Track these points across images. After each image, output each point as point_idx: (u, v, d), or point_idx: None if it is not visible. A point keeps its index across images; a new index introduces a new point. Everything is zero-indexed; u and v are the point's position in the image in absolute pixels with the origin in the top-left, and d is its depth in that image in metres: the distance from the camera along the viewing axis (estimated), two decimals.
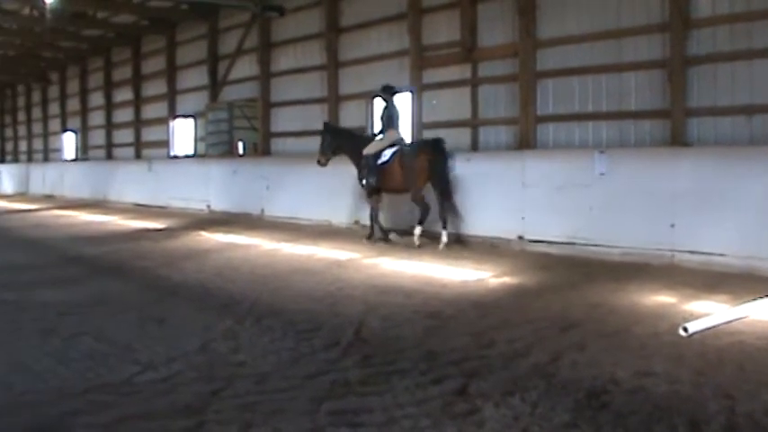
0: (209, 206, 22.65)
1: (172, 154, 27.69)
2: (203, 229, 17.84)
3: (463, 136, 16.36)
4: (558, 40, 14.56)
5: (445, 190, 14.01)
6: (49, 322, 7.93)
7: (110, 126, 33.43)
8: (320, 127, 16.16)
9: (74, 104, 37.26)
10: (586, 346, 6.65)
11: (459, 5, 16.27)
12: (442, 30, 16.79)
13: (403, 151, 14.32)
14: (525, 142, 14.85)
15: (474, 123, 16.23)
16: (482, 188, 14.30)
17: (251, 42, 22.93)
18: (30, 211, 26.93)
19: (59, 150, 39.28)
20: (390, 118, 14.68)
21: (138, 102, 30.71)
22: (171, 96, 27.70)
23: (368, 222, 15.22)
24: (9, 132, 48.09)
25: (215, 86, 24.79)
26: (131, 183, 28.09)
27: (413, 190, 14.03)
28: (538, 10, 14.85)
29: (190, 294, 9.65)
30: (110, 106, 33.38)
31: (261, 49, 22.46)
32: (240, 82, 23.67)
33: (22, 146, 45.37)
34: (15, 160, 46.50)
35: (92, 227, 19.62)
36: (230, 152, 23.63)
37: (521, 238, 13.42)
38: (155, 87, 29.24)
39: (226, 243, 15.23)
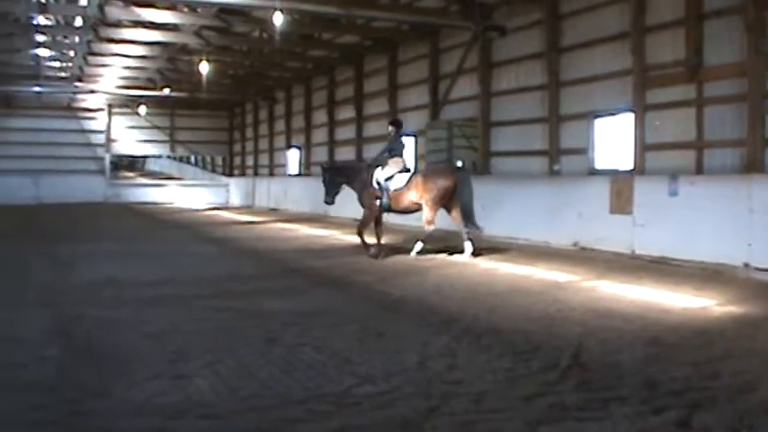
0: None
1: None
2: None
3: (687, 158, 15.87)
4: None
5: (468, 209, 15.70)
6: (272, 331, 8.26)
7: (332, 143, 34.52)
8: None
9: (298, 122, 38.76)
10: None
11: (685, 24, 15.85)
12: (666, 49, 16.38)
13: (426, 175, 16.02)
14: (753, 165, 14.23)
15: (698, 145, 15.71)
16: (705, 213, 13.85)
17: (471, 62, 23.13)
18: (255, 223, 28.13)
19: (284, 165, 40.90)
20: (398, 147, 16.41)
21: (359, 120, 31.53)
22: (392, 115, 28.18)
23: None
24: (237, 148, 50.56)
25: (435, 105, 25.14)
26: (352, 198, 28.66)
27: (431, 213, 15.74)
28: None
29: (408, 310, 9.80)
30: (332, 124, 34.49)
31: (481, 68, 22.62)
32: (460, 101, 23.91)
33: (249, 161, 47.60)
34: (242, 174, 48.84)
35: (313, 240, 20.36)
36: None
37: (746, 265, 12.89)
38: (376, 106, 29.99)
39: (443, 260, 15.34)
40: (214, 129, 51.27)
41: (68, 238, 20.97)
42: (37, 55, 32.47)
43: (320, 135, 35.98)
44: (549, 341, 7.81)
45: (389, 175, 16.13)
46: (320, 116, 36.01)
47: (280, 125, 41.77)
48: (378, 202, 16.26)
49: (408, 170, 16.37)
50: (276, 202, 38.39)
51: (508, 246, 17.71)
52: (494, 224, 18.30)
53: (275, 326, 8.55)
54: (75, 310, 9.67)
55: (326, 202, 17.28)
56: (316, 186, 33.50)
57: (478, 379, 6.44)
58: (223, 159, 54.03)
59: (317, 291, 11.48)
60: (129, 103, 46.00)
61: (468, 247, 15.50)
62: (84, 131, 47.55)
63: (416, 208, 16.18)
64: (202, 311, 9.54)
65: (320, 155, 35.90)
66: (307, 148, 37.63)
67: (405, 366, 6.83)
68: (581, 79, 18.92)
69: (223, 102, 46.89)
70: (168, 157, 61.45)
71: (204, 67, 29.45)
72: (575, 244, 16.76)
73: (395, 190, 16.06)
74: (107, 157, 47.82)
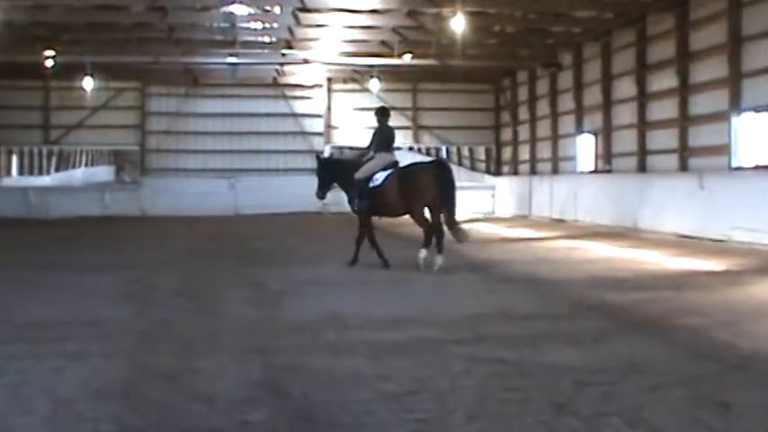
0: None
1: (734, 165, 27.29)
2: None
3: None
4: None
5: (451, 213, 18.24)
6: (562, 394, 8.19)
7: (642, 125, 34.00)
8: None
9: (593, 96, 38.41)
10: None
11: None
12: None
13: (402, 174, 18.59)
14: None
15: None
16: None
17: None
18: (532, 239, 28.68)
19: (572, 159, 40.52)
20: (384, 140, 19.23)
21: (683, 90, 30.68)
22: (733, 81, 27.33)
23: None
24: (506, 135, 50.44)
25: None
26: (672, 205, 28.28)
27: (417, 214, 18.30)
28: None
29: (765, 369, 9.37)
30: (643, 98, 33.98)
31: None
32: None
33: (524, 153, 47.34)
34: (514, 172, 48.72)
35: (616, 265, 20.04)
36: None
37: None
38: (709, 69, 29.10)
39: None
40: (474, 109, 51.93)
41: (278, 260, 21.80)
42: (231, 14, 33.49)
43: (625, 114, 35.49)
44: None
45: (369, 174, 18.71)
46: (625, 87, 35.64)
47: (566, 101, 41.78)
48: (357, 203, 18.99)
49: (395, 164, 19.00)
50: (561, 211, 38.52)
51: None
52: None
53: (565, 386, 8.47)
54: (289, 358, 10.00)
55: (317, 196, 20.40)
56: (619, 187, 33.19)
57: None
58: (487, 151, 54.38)
59: (625, 337, 11.25)
60: (357, 77, 47.04)
61: (438, 260, 17.98)
62: (295, 116, 49.50)
63: (402, 212, 18.77)
64: (461, 363, 9.55)
65: (624, 142, 35.29)
66: (605, 133, 37.32)
67: None
68: None
69: (486, 71, 47.59)
70: (410, 149, 62.50)
71: (459, 23, 29.32)
72: None
73: (373, 190, 18.56)
74: (327, 151, 48.99)
